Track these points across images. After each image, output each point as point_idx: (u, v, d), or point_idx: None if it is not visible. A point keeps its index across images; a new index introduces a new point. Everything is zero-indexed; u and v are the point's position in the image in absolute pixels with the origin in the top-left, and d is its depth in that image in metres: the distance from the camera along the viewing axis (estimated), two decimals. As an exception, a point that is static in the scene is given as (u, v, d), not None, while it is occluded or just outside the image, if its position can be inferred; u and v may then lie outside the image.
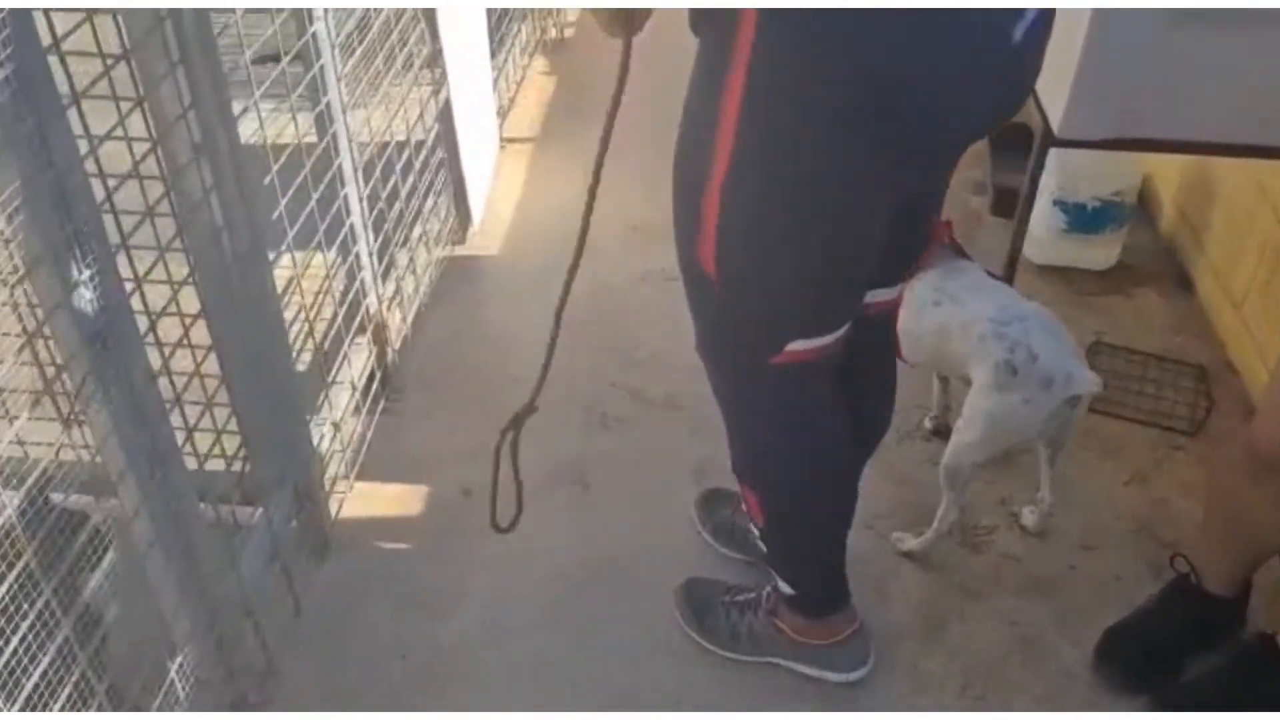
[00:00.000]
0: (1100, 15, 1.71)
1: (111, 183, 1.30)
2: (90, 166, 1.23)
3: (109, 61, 1.33)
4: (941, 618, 1.89)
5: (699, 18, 1.22)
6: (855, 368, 1.60)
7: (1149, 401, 2.33)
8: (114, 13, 1.31)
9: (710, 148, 1.24)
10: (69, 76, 1.21)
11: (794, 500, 1.65)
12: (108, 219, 1.28)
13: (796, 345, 1.43)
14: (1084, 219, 2.62)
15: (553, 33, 3.79)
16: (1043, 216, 2.61)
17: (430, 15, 2.45)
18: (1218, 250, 2.54)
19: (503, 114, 3.26)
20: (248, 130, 1.61)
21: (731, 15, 1.15)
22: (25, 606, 1.16)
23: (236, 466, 1.80)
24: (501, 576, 1.97)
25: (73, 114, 1.20)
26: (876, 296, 1.56)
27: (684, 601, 1.88)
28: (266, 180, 1.69)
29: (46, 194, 1.15)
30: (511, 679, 1.80)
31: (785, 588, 1.74)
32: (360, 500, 2.11)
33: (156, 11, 1.37)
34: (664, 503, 2.09)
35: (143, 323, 1.38)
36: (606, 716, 1.75)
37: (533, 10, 3.64)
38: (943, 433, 2.21)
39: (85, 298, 1.23)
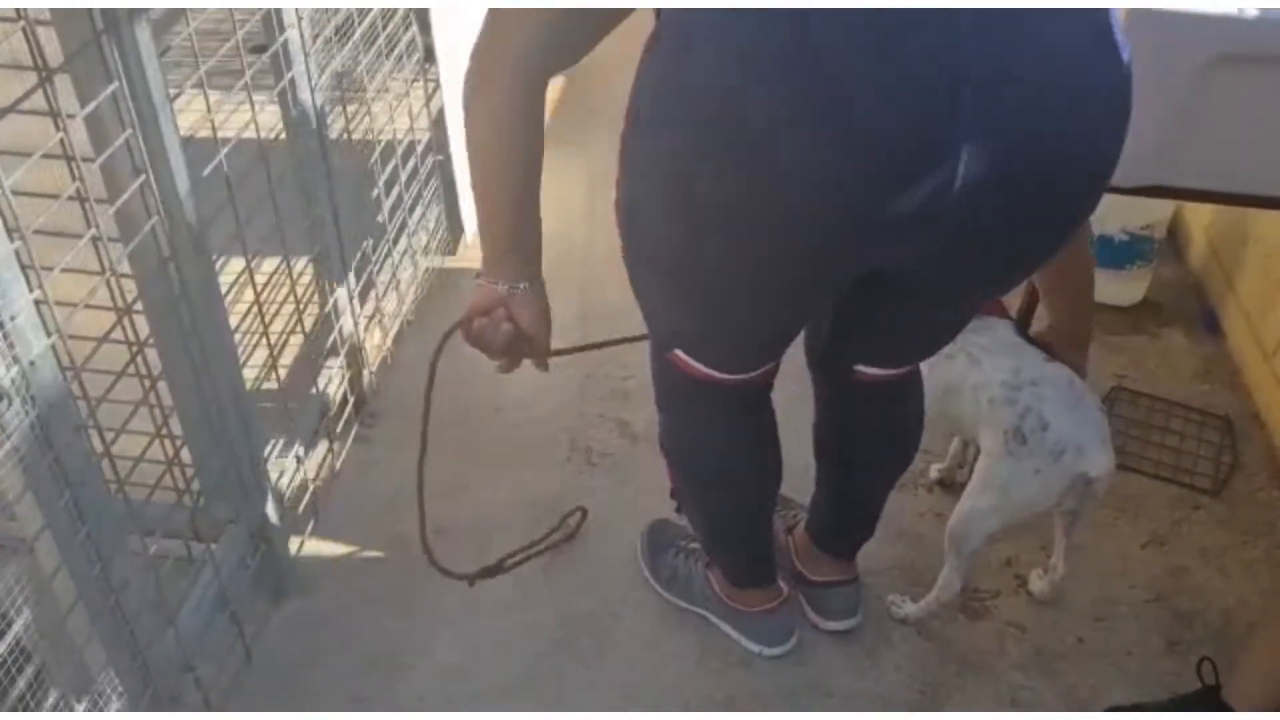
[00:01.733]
0: (1133, 56, 1.56)
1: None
2: None
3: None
4: (937, 691, 1.75)
5: None
6: (861, 422, 1.63)
7: (1170, 455, 2.19)
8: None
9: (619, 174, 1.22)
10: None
11: (689, 486, 1.69)
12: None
13: (683, 356, 1.40)
14: (1110, 252, 2.47)
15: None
16: (1068, 249, 2.46)
17: (422, 14, 2.32)
18: (1250, 293, 2.39)
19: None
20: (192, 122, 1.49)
21: None
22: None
23: (189, 500, 1.69)
24: (469, 632, 1.84)
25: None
26: (867, 370, 1.49)
27: (647, 536, 1.93)
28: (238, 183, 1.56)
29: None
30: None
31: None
32: (323, 538, 1.98)
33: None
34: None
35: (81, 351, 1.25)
36: (607, 717, 1.66)
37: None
38: (947, 485, 2.08)
39: (-8, 345, 1.10)
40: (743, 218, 1.07)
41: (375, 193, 2.18)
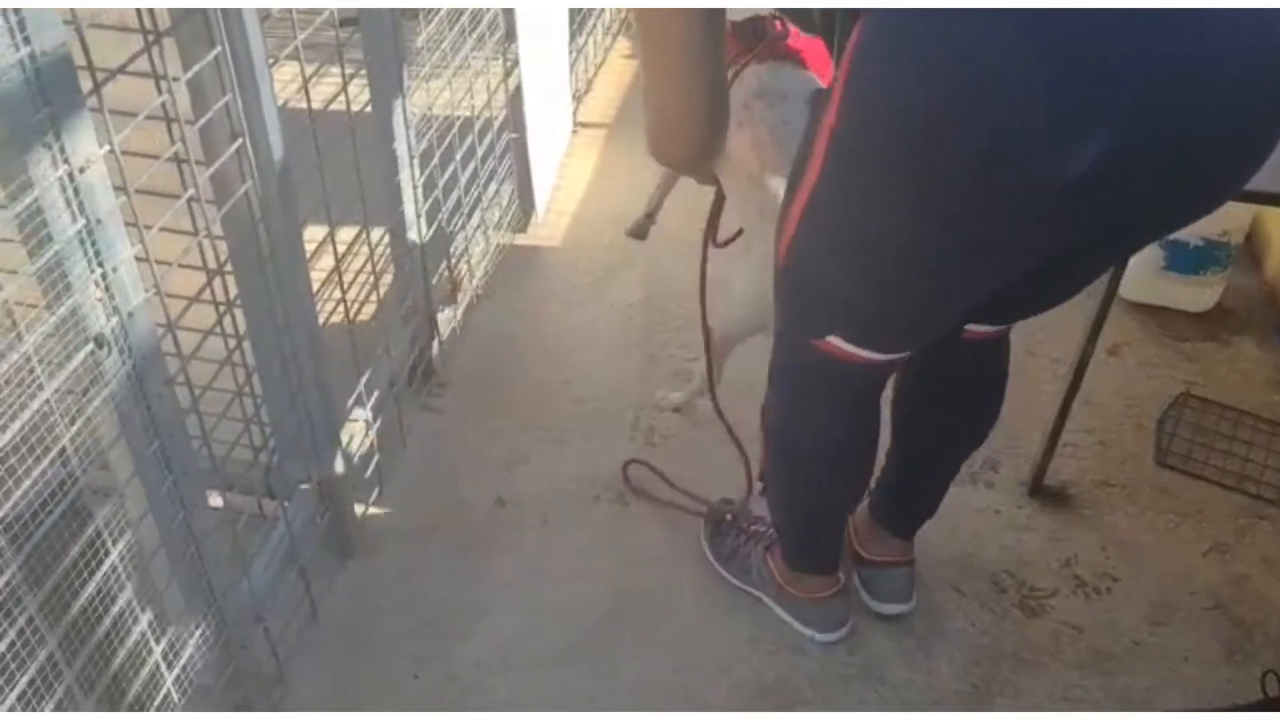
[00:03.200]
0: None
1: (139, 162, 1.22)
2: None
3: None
4: (989, 686, 1.76)
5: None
6: (949, 381, 1.66)
7: (1236, 464, 2.17)
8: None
9: (805, 167, 1.26)
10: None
11: (791, 470, 1.68)
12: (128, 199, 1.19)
13: (837, 341, 1.41)
14: (1184, 257, 2.44)
15: (637, 14, 3.66)
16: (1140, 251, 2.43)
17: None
18: (1328, 305, 2.35)
19: (578, 97, 3.15)
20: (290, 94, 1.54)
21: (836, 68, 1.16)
22: (5, 625, 1.09)
23: (264, 459, 1.74)
24: (526, 599, 1.87)
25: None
26: (977, 329, 1.52)
27: (708, 518, 1.95)
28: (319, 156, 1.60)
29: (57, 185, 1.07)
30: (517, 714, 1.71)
31: (773, 529, 1.81)
32: (389, 503, 2.03)
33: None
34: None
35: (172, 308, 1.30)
36: (606, 717, 1.67)
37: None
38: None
39: (94, 295, 1.15)
40: (982, 201, 1.11)
41: (452, 167, 2.21)
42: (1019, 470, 2.10)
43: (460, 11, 2.17)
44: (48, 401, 1.11)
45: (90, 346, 1.16)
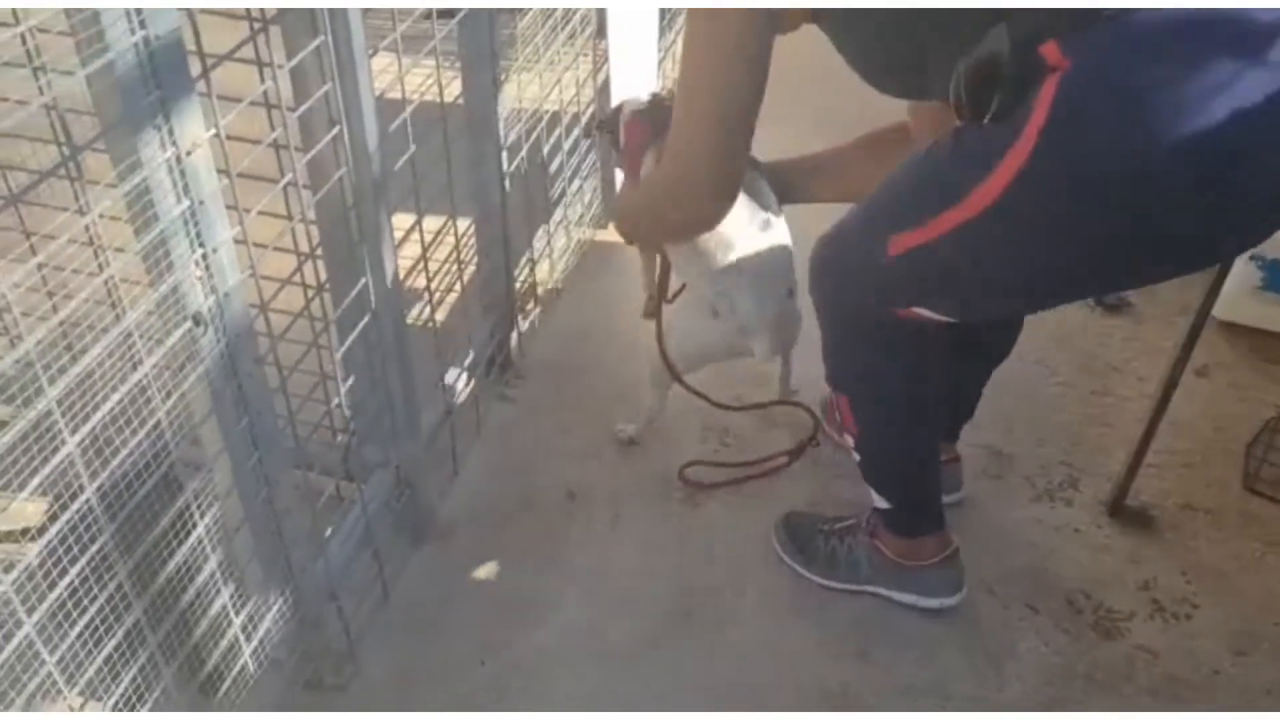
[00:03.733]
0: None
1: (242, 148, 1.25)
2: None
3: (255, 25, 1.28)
4: (1061, 708, 1.73)
5: (978, 110, 1.31)
6: None
7: (1328, 493, 2.10)
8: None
9: (966, 191, 1.34)
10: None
11: (888, 416, 1.72)
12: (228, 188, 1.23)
13: (923, 311, 1.52)
14: (1278, 276, 2.37)
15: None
16: (1235, 270, 2.36)
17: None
18: None
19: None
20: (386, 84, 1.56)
21: (1025, 109, 1.25)
22: (96, 590, 1.12)
23: (343, 441, 1.77)
24: (596, 593, 1.88)
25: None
26: None
27: (784, 531, 1.94)
28: (412, 146, 1.63)
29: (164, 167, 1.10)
30: (582, 706, 1.70)
31: (881, 502, 1.79)
32: (463, 490, 2.05)
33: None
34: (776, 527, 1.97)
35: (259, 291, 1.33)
36: (609, 717, 1.67)
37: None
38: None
39: (194, 274, 1.18)
40: (1192, 223, 1.28)
41: (538, 160, 2.23)
42: (1099, 489, 2.06)
43: (553, 8, 2.19)
44: (146, 376, 1.15)
45: (188, 324, 1.19)
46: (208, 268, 1.20)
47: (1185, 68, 1.17)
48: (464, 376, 2.06)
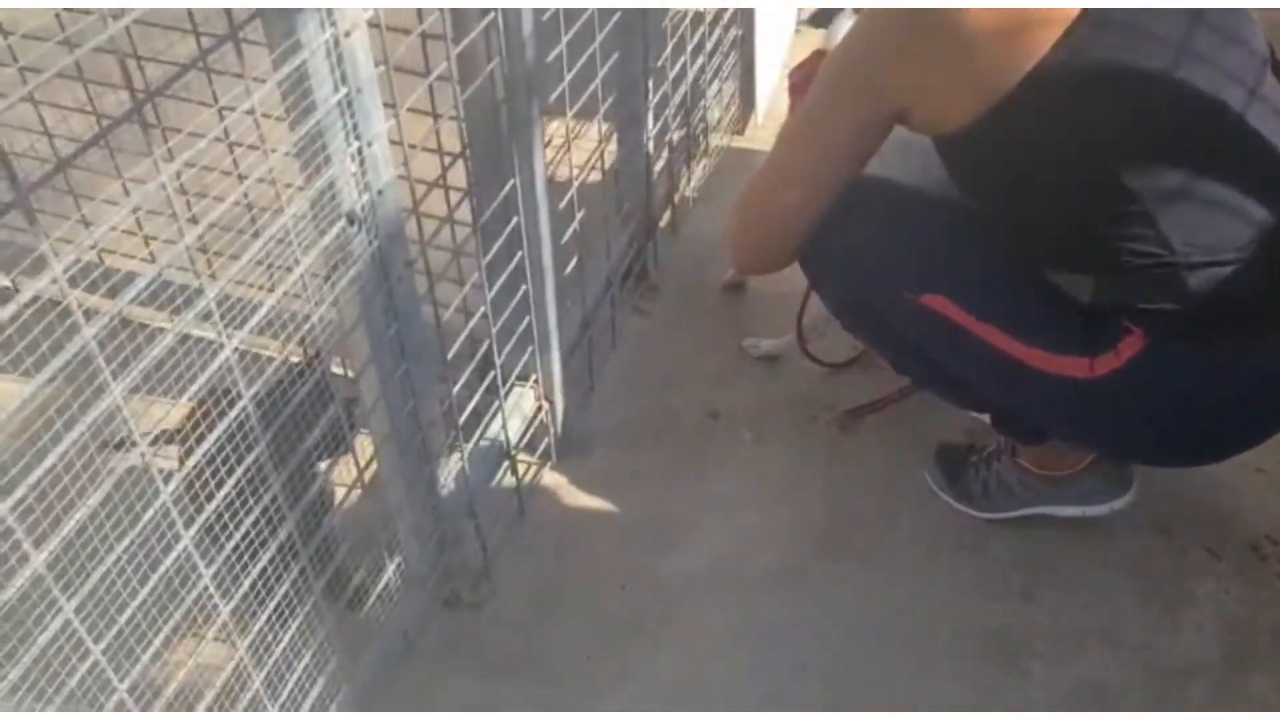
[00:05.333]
0: None
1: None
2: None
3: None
4: (1242, 660, 1.60)
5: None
6: None
7: None
8: None
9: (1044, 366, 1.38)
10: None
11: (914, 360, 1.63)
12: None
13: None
14: None
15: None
16: None
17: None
18: None
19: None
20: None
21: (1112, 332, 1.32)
22: (251, 501, 1.07)
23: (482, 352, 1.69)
24: (739, 518, 1.80)
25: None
26: None
27: (936, 465, 1.83)
28: (555, 51, 1.51)
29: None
30: (726, 636, 1.63)
31: (981, 415, 1.74)
32: (599, 406, 1.97)
33: None
34: (928, 461, 1.85)
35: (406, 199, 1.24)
36: (616, 716, 1.58)
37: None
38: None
39: (350, 169, 1.10)
40: None
41: (682, 60, 2.10)
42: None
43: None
44: (301, 277, 1.07)
45: (342, 223, 1.11)
46: (362, 163, 1.11)
47: None
48: (602, 288, 1.96)
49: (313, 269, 1.11)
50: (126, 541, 0.91)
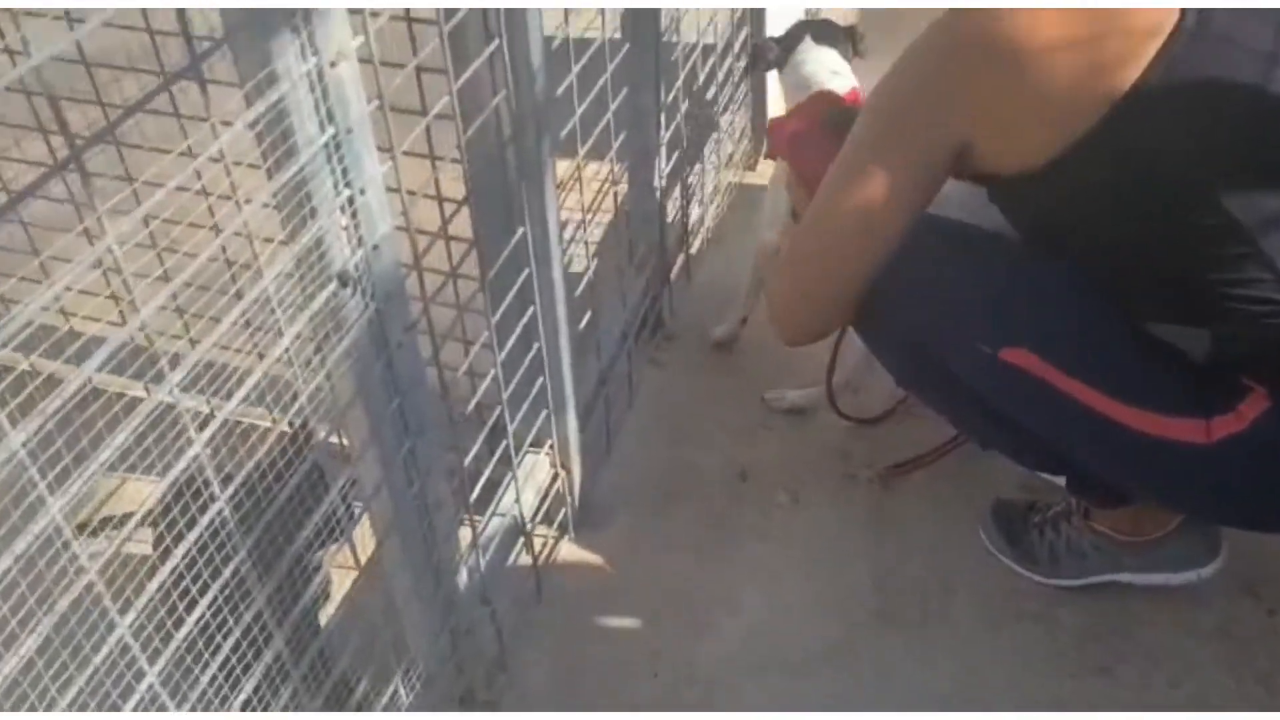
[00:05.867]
0: None
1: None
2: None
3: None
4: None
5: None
6: None
7: None
8: None
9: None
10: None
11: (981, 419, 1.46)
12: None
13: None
14: None
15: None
16: None
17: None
18: None
19: (811, 15, 2.83)
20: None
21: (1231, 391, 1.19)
22: (231, 621, 0.90)
23: (489, 416, 1.53)
24: (778, 589, 1.62)
25: None
26: None
27: (993, 524, 1.65)
28: (564, 83, 1.36)
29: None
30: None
31: (1055, 479, 1.52)
32: (617, 468, 1.81)
33: None
34: (983, 521, 1.68)
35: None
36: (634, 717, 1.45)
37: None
38: None
39: (340, 222, 0.94)
40: None
41: (694, 89, 1.95)
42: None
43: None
44: (288, 350, 0.91)
45: (333, 285, 0.95)
46: (354, 214, 0.96)
47: None
48: (618, 340, 1.80)
49: (304, 335, 0.96)
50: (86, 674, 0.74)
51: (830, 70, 1.81)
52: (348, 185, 0.94)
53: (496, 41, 1.15)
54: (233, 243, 0.89)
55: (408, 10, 1.11)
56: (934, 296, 1.29)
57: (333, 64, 0.87)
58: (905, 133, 1.22)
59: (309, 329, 0.95)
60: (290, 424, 1.08)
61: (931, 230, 1.31)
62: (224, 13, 0.79)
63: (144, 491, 1.00)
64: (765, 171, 2.47)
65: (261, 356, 0.88)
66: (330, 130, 0.89)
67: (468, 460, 1.31)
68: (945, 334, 1.30)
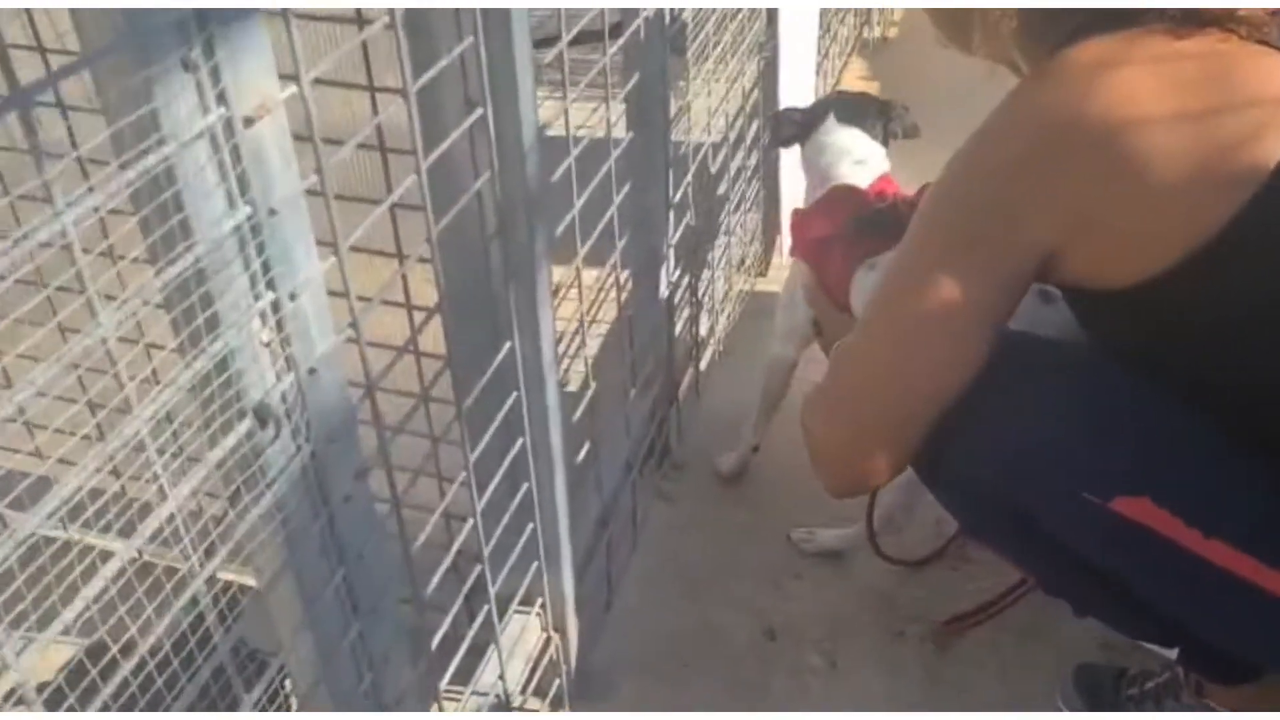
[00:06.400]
0: None
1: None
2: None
3: None
4: None
5: None
6: None
7: None
8: None
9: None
10: None
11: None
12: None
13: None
14: None
15: (875, 31, 3.15)
16: None
17: (772, 13, 1.88)
18: None
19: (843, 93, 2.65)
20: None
21: None
22: None
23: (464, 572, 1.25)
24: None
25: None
26: None
27: (1076, 694, 1.37)
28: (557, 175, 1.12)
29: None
30: None
31: (1162, 650, 1.21)
32: (620, 627, 1.52)
33: None
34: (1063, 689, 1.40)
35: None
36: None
37: (856, 8, 3.01)
38: None
39: (258, 338, 0.68)
40: None
41: (704, 179, 1.73)
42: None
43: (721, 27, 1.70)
44: (174, 517, 0.65)
45: (247, 423, 0.69)
46: (279, 326, 0.70)
47: None
48: (621, 473, 1.54)
49: (205, 489, 0.69)
50: None
51: (854, 159, 1.59)
52: (270, 288, 0.68)
53: (480, 111, 0.91)
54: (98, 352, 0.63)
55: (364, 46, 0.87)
56: (1020, 432, 1.03)
57: (248, 121, 0.63)
58: (980, 237, 0.99)
59: (211, 481, 0.69)
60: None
61: (1010, 347, 1.06)
62: (77, 23, 0.55)
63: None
64: (777, 277, 2.24)
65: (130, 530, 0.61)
66: (243, 210, 0.64)
67: (438, 637, 1.03)
68: (1036, 480, 1.04)
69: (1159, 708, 1.30)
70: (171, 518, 0.64)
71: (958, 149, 1.03)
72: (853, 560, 1.61)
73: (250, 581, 0.94)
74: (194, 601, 0.67)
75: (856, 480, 1.15)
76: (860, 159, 1.60)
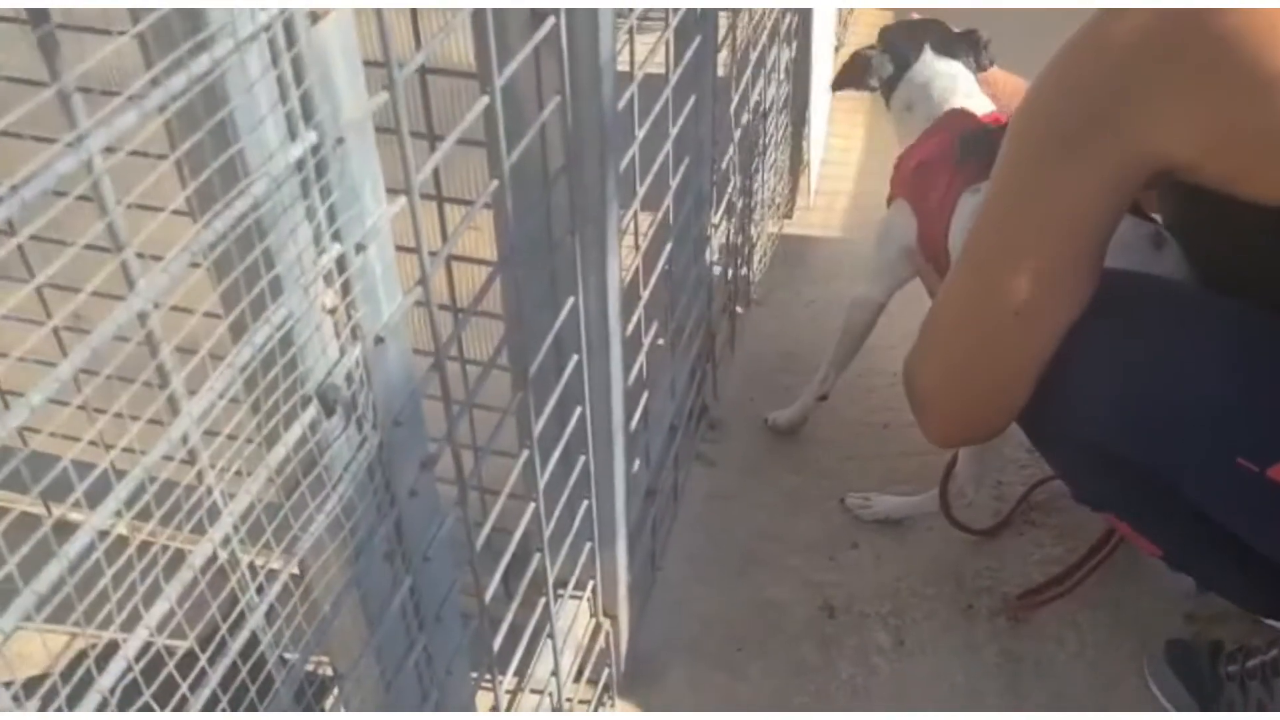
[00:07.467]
0: None
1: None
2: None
3: None
4: None
5: None
6: None
7: None
8: None
9: None
10: None
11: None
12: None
13: None
14: None
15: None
16: None
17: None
18: None
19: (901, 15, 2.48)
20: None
21: None
22: None
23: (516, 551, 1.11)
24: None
25: None
26: None
27: (1168, 671, 1.25)
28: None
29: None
30: None
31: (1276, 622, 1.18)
32: (668, 604, 1.40)
33: None
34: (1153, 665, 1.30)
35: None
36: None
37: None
38: None
39: (323, 301, 0.54)
40: None
41: (743, 120, 1.57)
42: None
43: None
44: (231, 535, 0.50)
45: (311, 411, 0.55)
46: (346, 288, 0.55)
47: None
48: (665, 437, 1.40)
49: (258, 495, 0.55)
50: None
51: (964, 92, 1.45)
52: (336, 239, 0.53)
53: (551, 21, 0.76)
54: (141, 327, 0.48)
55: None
56: (1165, 388, 0.90)
57: (314, 16, 0.48)
58: (1088, 140, 0.86)
59: (268, 485, 0.54)
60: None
61: (1136, 289, 0.94)
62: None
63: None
64: (804, 220, 2.10)
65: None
66: (309, 139, 0.49)
67: (498, 641, 0.89)
68: (1181, 442, 0.91)
69: (1267, 689, 1.19)
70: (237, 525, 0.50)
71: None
72: (910, 528, 1.49)
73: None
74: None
75: (970, 430, 1.04)
76: (969, 92, 1.46)
